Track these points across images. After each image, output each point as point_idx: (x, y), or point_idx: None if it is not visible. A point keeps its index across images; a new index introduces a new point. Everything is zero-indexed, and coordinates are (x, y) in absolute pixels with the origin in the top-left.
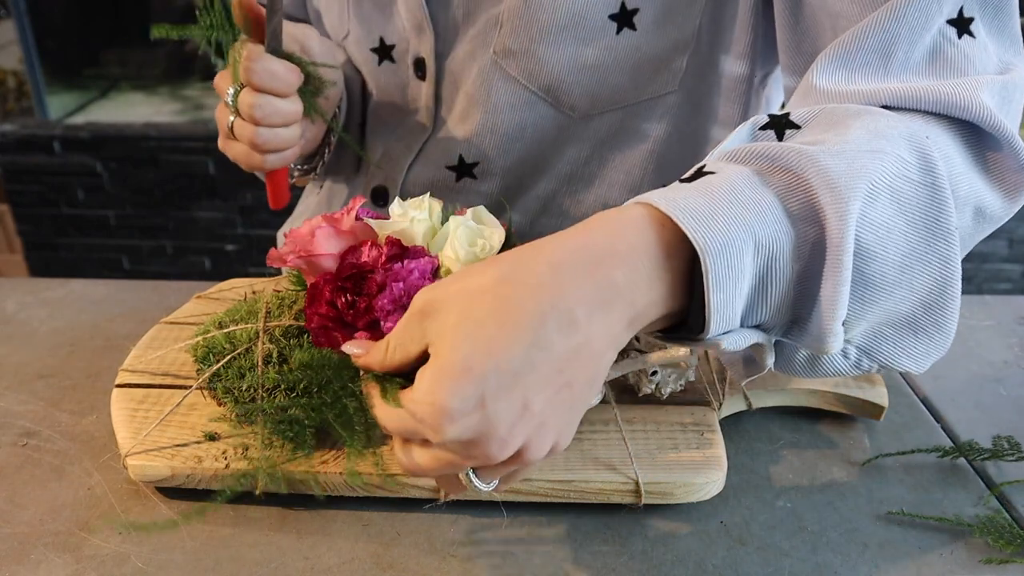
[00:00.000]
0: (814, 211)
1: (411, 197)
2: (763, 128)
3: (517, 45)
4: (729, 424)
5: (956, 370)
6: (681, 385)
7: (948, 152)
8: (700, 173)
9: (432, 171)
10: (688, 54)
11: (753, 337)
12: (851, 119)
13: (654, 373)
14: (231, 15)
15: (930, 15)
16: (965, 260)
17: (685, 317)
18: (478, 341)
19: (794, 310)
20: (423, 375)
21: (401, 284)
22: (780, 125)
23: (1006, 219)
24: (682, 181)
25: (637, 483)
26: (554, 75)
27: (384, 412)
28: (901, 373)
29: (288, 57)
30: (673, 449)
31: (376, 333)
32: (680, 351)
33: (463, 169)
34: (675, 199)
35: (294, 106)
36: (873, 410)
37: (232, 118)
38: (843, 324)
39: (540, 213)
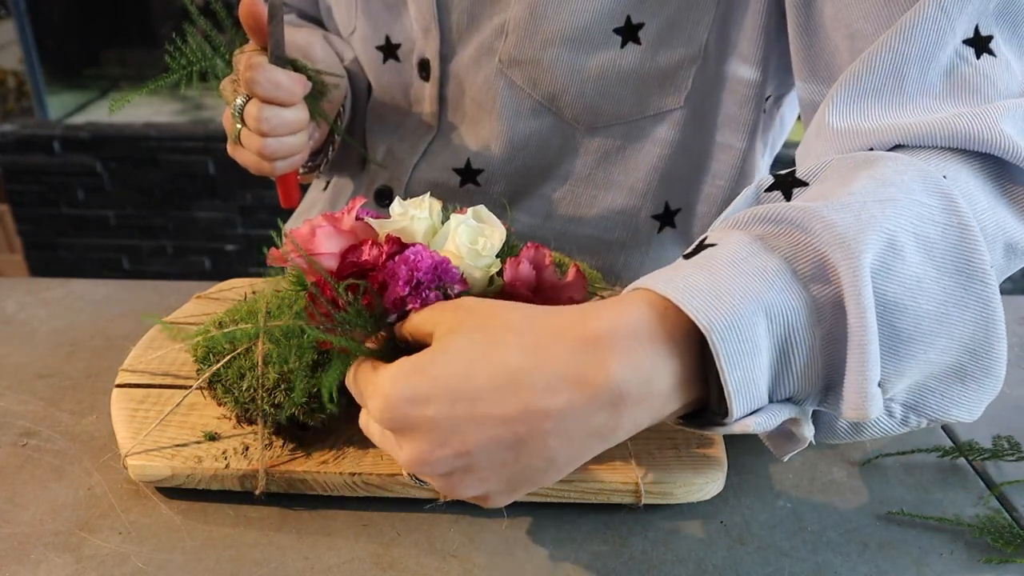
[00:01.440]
0: (825, 269)
1: (415, 196)
2: (768, 190)
3: (522, 54)
4: None
5: None
6: None
7: (969, 189)
8: (701, 246)
9: (437, 172)
10: (695, 70)
11: (785, 412)
12: (858, 170)
13: None
14: (212, 40)
15: (941, 33)
16: None
17: (707, 403)
18: (463, 357)
19: (825, 377)
20: (405, 359)
21: (404, 267)
22: (786, 184)
23: None
24: (684, 257)
25: (637, 483)
26: (557, 85)
27: (356, 373)
28: None
29: (291, 64)
30: (673, 449)
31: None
32: None
33: (468, 174)
34: (674, 279)
35: (300, 114)
36: None
37: (239, 127)
38: (881, 385)
39: (545, 218)
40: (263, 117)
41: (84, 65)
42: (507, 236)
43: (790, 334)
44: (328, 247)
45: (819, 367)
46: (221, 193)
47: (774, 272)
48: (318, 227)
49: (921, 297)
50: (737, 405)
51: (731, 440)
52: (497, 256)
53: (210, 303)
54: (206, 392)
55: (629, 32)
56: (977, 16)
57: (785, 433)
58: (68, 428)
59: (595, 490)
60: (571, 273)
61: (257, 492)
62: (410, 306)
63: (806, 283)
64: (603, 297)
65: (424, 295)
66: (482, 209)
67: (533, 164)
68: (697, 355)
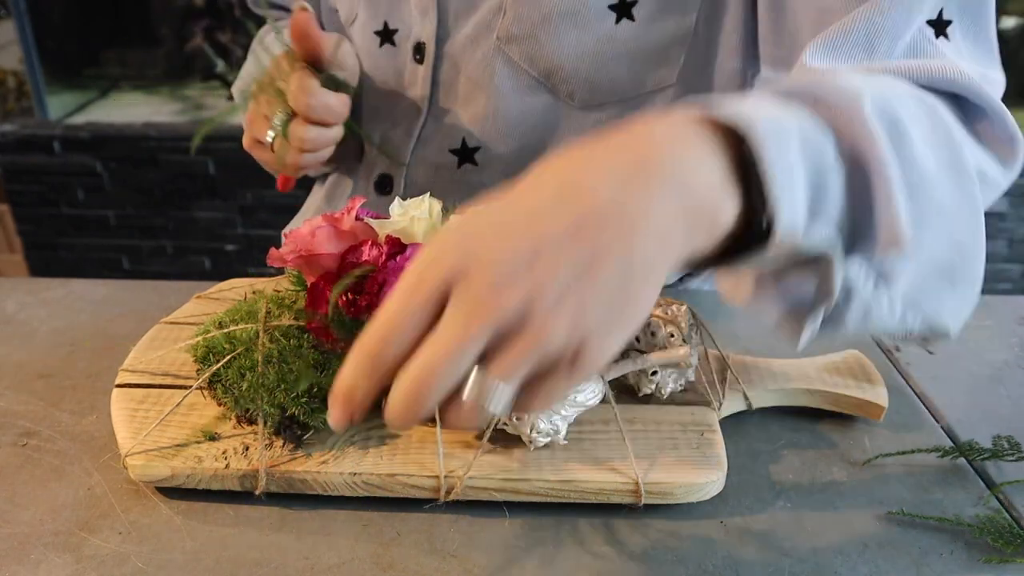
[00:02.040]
0: (839, 121)
1: (415, 183)
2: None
3: (520, 30)
4: (729, 424)
5: (956, 370)
6: (681, 385)
7: (946, 116)
8: None
9: (435, 154)
10: (686, 47)
11: (824, 232)
12: (852, 76)
13: (654, 373)
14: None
15: (912, 11)
16: None
17: (748, 233)
18: (501, 205)
19: (852, 219)
20: None
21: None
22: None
23: (1004, 186)
24: None
25: (637, 483)
26: (554, 61)
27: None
28: (901, 374)
29: (337, 84)
30: (673, 449)
31: None
32: (680, 351)
33: (465, 154)
34: (708, 103)
35: (339, 131)
36: (873, 410)
37: (272, 136)
38: (906, 229)
39: None
40: (308, 138)
41: (84, 65)
42: None
43: (822, 161)
44: (328, 248)
45: (847, 205)
46: (221, 193)
47: (797, 113)
48: (317, 228)
49: (926, 170)
50: (780, 192)
51: (731, 440)
52: None
53: (210, 303)
54: (206, 392)
55: (623, 9)
56: (944, 1)
57: (796, 306)
58: (68, 428)
59: (595, 490)
60: None
61: (257, 492)
62: None
63: (823, 126)
64: None
65: None
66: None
67: (528, 143)
68: (737, 164)
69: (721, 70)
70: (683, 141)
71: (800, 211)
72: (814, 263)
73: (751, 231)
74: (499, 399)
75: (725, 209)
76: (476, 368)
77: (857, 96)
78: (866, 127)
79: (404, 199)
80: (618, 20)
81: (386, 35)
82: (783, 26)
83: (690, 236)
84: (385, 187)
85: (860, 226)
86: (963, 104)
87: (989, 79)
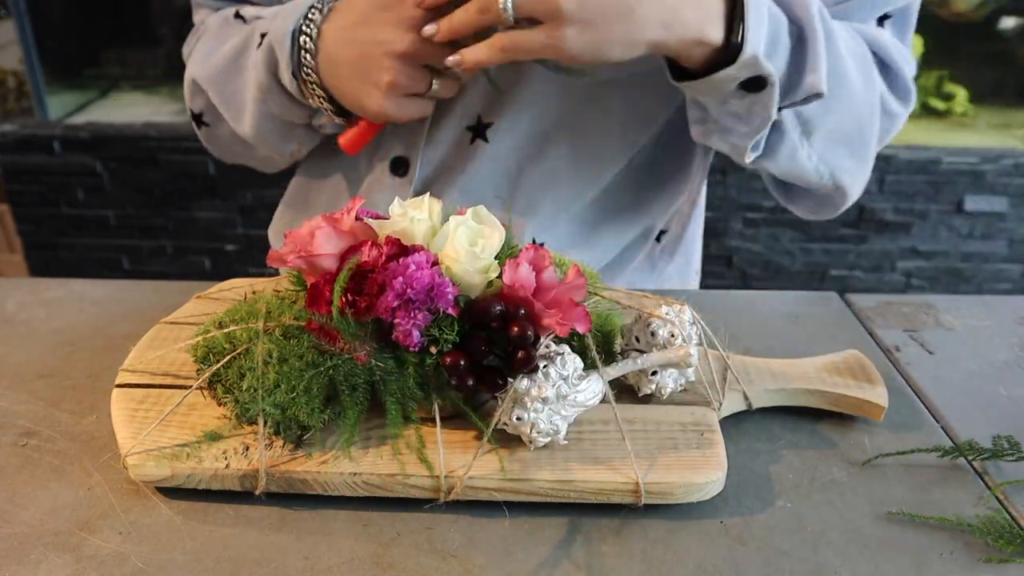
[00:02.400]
0: (791, 6)
1: (431, 162)
2: None
3: None
4: (729, 424)
5: (956, 370)
6: (681, 385)
7: (869, 54)
8: None
9: (451, 132)
10: None
11: (772, 65)
12: None
13: (654, 373)
14: None
15: (864, 7)
16: (964, 260)
17: (724, 52)
18: None
19: (790, 68)
20: None
21: (400, 279)
22: None
23: (902, 119)
24: None
25: (637, 483)
26: None
27: None
28: (901, 374)
29: None
30: (673, 449)
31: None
32: (680, 351)
33: (479, 130)
34: None
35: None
36: (873, 410)
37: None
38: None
39: (552, 176)
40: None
41: (84, 65)
42: (507, 237)
43: (779, 24)
44: (327, 248)
45: (788, 59)
46: (221, 193)
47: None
48: (317, 228)
49: (845, 62)
50: (751, 33)
51: (731, 440)
52: (497, 257)
53: (210, 303)
54: (206, 392)
55: None
56: (887, 7)
57: (751, 123)
58: (68, 428)
59: (595, 490)
60: (571, 274)
61: (257, 492)
62: (398, 320)
63: (783, 11)
64: (603, 298)
65: (412, 314)
66: (481, 210)
67: (539, 117)
68: (728, 9)
69: None
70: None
71: (761, 45)
72: (759, 93)
73: (723, 59)
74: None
75: (712, 27)
76: None
77: (810, 3)
78: (811, 17)
79: (421, 179)
80: None
81: None
82: None
83: (679, 28)
84: (400, 168)
85: (793, 78)
86: (882, 62)
87: (907, 59)
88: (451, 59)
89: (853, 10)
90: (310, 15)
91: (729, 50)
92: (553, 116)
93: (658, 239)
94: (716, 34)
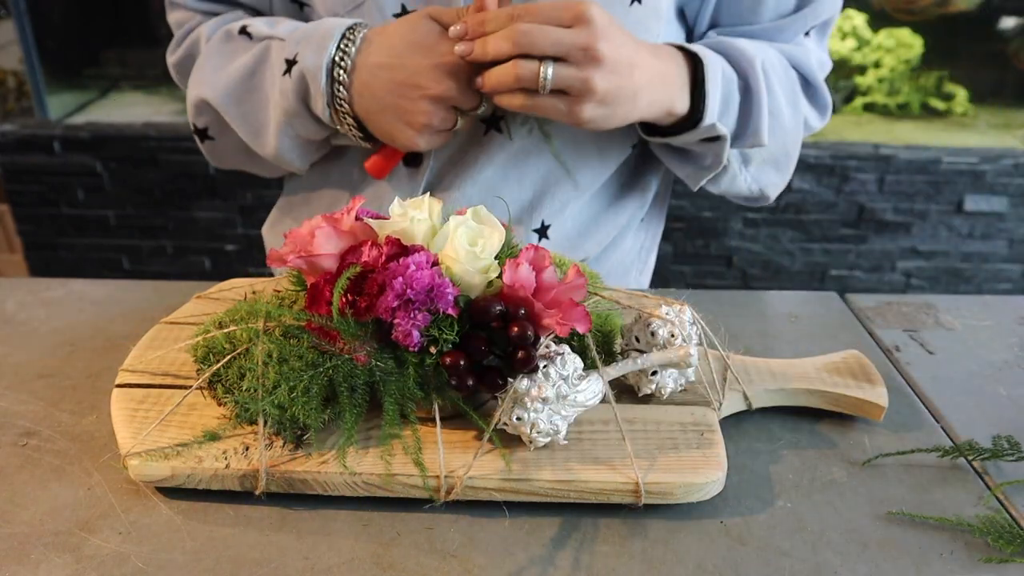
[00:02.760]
0: (742, 68)
1: (443, 153)
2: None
3: None
4: (729, 424)
5: (956, 370)
6: (681, 385)
7: (796, 80)
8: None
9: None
10: (662, 23)
11: (725, 125)
12: (751, 44)
13: (654, 373)
14: None
15: (794, 26)
16: (964, 260)
17: (689, 117)
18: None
19: (738, 124)
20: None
21: (400, 279)
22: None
23: (819, 128)
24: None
25: (637, 483)
26: None
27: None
28: (901, 374)
29: None
30: (673, 449)
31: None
32: (680, 351)
33: (492, 121)
34: (684, 47)
35: None
36: (873, 410)
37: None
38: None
39: (575, 144)
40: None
41: (84, 65)
42: (507, 237)
43: (731, 88)
44: (327, 248)
45: (738, 115)
46: (221, 193)
47: (722, 59)
48: (317, 228)
49: (780, 104)
50: (711, 103)
51: (731, 440)
52: (497, 257)
53: (210, 303)
54: (206, 392)
55: None
56: (815, 21)
57: (704, 167)
58: (68, 428)
59: (595, 490)
60: (571, 274)
61: (257, 492)
62: (398, 321)
63: (735, 71)
64: (603, 298)
65: (412, 314)
66: (482, 210)
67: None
68: (692, 79)
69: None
70: (675, 60)
71: (716, 111)
72: (715, 142)
73: (687, 122)
74: (547, 72)
75: (680, 101)
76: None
77: (753, 57)
78: (756, 74)
79: (434, 170)
80: (631, 3)
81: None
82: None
83: (660, 106)
84: (414, 160)
85: (741, 128)
86: (806, 80)
87: (823, 64)
88: (483, 111)
89: (786, 27)
90: (344, 46)
91: (692, 118)
92: None
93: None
94: (682, 106)
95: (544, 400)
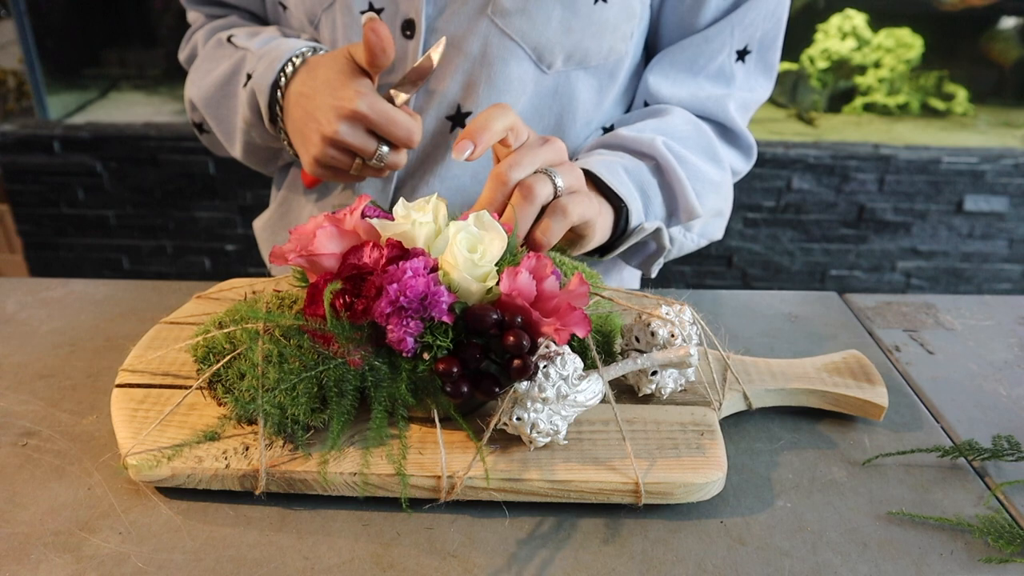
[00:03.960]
0: (639, 150)
1: (413, 153)
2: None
3: (513, 6)
4: (729, 424)
5: (956, 370)
6: (681, 385)
7: (710, 133)
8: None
9: (431, 122)
10: (635, 22)
11: (654, 217)
12: (647, 126)
13: (654, 373)
14: None
15: (724, 44)
16: (964, 260)
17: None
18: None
19: (667, 206)
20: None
21: (396, 285)
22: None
23: (745, 171)
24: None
25: (637, 483)
26: (543, 35)
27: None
28: (901, 374)
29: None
30: (673, 449)
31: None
32: (680, 351)
33: (458, 119)
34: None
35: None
36: (873, 410)
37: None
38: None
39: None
40: (400, 162)
41: (84, 65)
42: (509, 243)
43: (642, 178)
44: (329, 248)
45: (663, 199)
46: (221, 193)
47: (621, 156)
48: (319, 227)
49: (700, 167)
50: (632, 205)
51: (731, 440)
52: (498, 264)
53: (210, 303)
54: (206, 392)
55: None
56: (748, 39)
57: (648, 256)
58: (68, 428)
59: (595, 490)
60: (573, 282)
61: (257, 492)
62: (390, 327)
63: (640, 161)
64: (604, 298)
65: (405, 321)
66: (484, 215)
67: (511, 104)
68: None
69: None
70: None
71: (639, 210)
72: (654, 234)
73: (617, 229)
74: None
75: (608, 221)
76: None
77: (651, 139)
78: (660, 152)
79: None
80: (595, 2)
81: None
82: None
83: (602, 232)
84: None
85: (672, 209)
86: (723, 127)
87: (749, 101)
88: (374, 163)
89: (712, 39)
90: (286, 68)
91: (617, 225)
92: (528, 103)
93: None
94: (610, 222)
95: (544, 400)
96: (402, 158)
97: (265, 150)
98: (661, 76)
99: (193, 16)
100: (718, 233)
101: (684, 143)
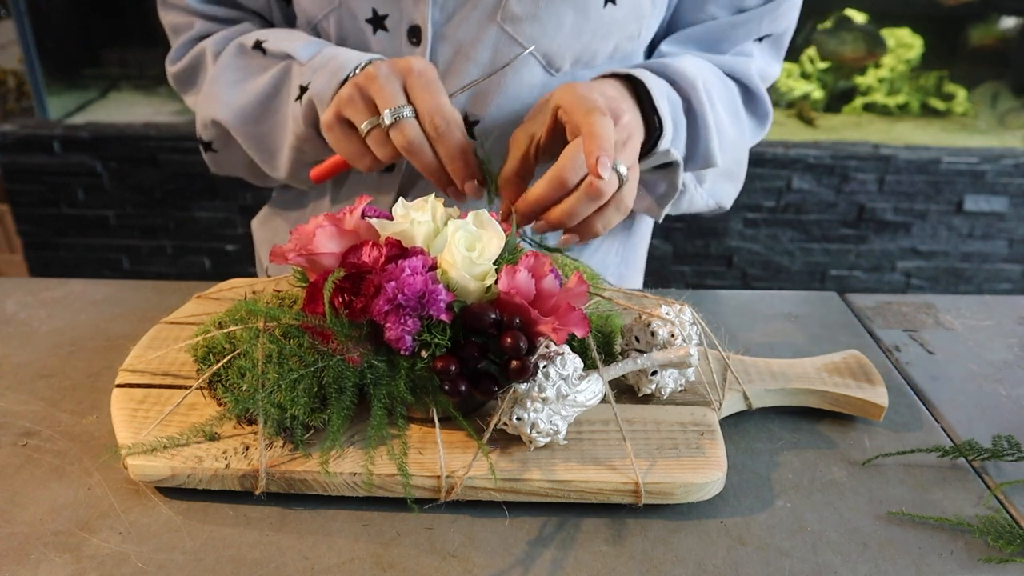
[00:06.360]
0: (684, 90)
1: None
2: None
3: (523, 11)
4: (729, 424)
5: (956, 370)
6: (681, 385)
7: (736, 94)
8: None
9: None
10: (644, 21)
11: (677, 149)
12: (690, 63)
13: (654, 373)
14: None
15: (751, 32)
16: (964, 260)
17: (649, 141)
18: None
19: (689, 146)
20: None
21: (394, 283)
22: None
23: (761, 137)
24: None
25: (637, 483)
26: (555, 41)
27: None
28: (901, 374)
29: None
30: (673, 449)
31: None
32: (680, 351)
33: (467, 128)
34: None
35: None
36: (873, 410)
37: (376, 123)
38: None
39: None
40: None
41: (84, 65)
42: (508, 242)
43: (677, 111)
44: (328, 247)
45: (688, 138)
46: (221, 193)
47: (664, 83)
48: (319, 227)
49: (724, 121)
50: (667, 135)
51: (731, 440)
52: (497, 262)
53: (210, 303)
54: (206, 392)
55: None
56: (774, 28)
57: (661, 195)
58: (68, 428)
59: (595, 490)
60: (573, 281)
61: (257, 492)
62: (388, 325)
63: (678, 94)
64: (604, 298)
65: (403, 319)
66: (483, 214)
67: (520, 111)
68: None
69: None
70: (619, 91)
71: (669, 135)
72: (668, 169)
73: (642, 148)
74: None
75: (637, 130)
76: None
77: (694, 79)
78: (698, 96)
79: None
80: (605, 4)
81: (377, 22)
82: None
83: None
84: (389, 167)
85: (692, 151)
86: (746, 89)
87: (767, 74)
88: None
89: (739, 25)
90: (352, 76)
91: (647, 143)
92: (533, 104)
93: None
94: (641, 137)
95: (544, 400)
96: (414, 135)
97: (312, 164)
98: (680, 49)
99: (175, 20)
100: (727, 201)
101: (716, 92)
